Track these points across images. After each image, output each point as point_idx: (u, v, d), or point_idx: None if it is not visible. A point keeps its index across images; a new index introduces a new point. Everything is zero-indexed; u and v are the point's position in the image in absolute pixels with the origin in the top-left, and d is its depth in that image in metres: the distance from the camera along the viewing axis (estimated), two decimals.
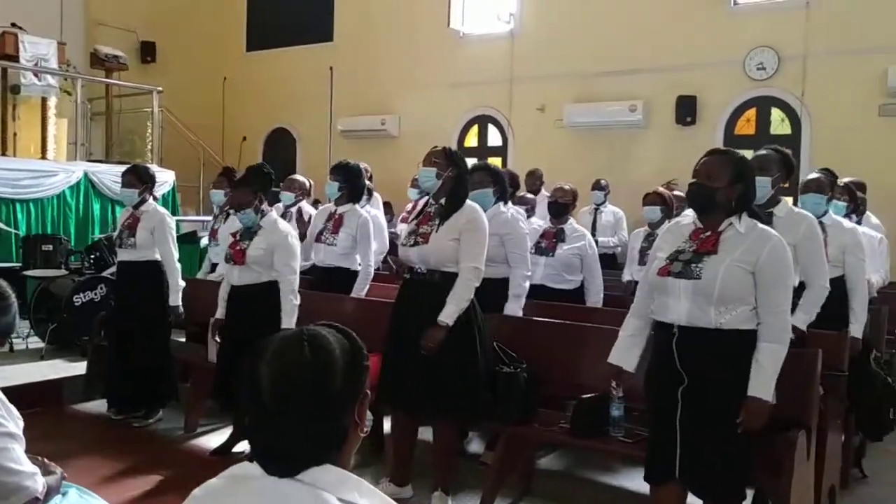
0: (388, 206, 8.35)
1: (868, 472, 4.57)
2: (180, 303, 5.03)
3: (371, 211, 6.45)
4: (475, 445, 4.78)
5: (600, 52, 9.49)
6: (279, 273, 4.31)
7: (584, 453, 4.53)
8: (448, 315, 3.59)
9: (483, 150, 10.52)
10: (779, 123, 8.72)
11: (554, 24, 9.93)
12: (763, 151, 3.70)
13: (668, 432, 2.79)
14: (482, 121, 10.81)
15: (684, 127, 9.01)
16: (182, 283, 5.06)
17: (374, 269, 5.27)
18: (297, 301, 4.31)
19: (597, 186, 8.00)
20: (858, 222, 5.08)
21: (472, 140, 10.94)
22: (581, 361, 3.99)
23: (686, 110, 9.01)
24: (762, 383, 2.70)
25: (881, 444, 4.89)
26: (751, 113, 8.87)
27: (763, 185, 3.32)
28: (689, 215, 2.98)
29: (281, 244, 4.30)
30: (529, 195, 6.80)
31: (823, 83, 8.28)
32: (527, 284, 4.48)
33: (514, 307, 4.41)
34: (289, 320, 4.26)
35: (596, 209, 7.97)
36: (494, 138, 10.75)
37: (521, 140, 10.34)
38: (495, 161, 10.36)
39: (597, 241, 6.97)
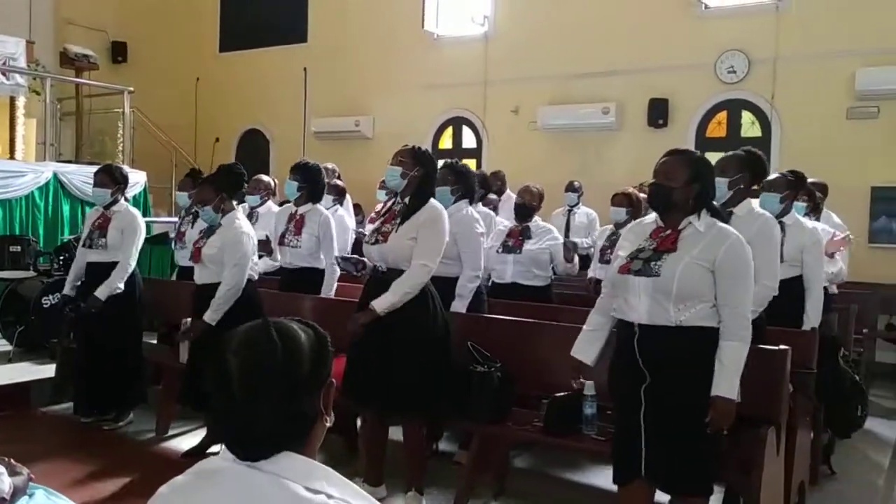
0: (357, 208, 8.31)
1: (837, 468, 4.64)
2: (104, 298, 4.82)
3: (339, 211, 6.45)
4: (449, 445, 4.77)
5: (573, 55, 9.55)
6: (226, 269, 4.27)
7: (558, 452, 4.55)
8: (382, 303, 3.55)
9: (457, 152, 10.50)
10: (749, 126, 8.83)
11: (527, 26, 9.96)
12: (731, 152, 3.73)
13: (633, 430, 2.80)
14: (456, 122, 10.82)
15: (656, 129, 9.09)
16: (120, 287, 4.87)
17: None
18: (226, 304, 4.24)
19: (570, 188, 8.03)
20: (817, 220, 5.19)
21: (446, 142, 10.94)
22: (554, 360, 3.97)
23: (658, 113, 9.08)
24: (726, 382, 2.71)
25: (850, 442, 4.98)
26: (722, 115, 8.97)
27: (719, 187, 3.35)
28: (652, 216, 3.01)
29: (230, 242, 4.27)
30: (493, 196, 6.82)
31: (793, 86, 8.40)
32: (473, 285, 4.40)
33: (458, 305, 4.35)
34: (209, 315, 4.23)
35: (569, 210, 8.01)
36: (469, 140, 10.76)
37: (495, 142, 10.37)
38: (469, 163, 10.41)
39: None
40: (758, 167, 3.69)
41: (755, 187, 3.74)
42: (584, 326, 3.14)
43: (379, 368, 3.61)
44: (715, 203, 2.98)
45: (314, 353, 1.31)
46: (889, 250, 7.92)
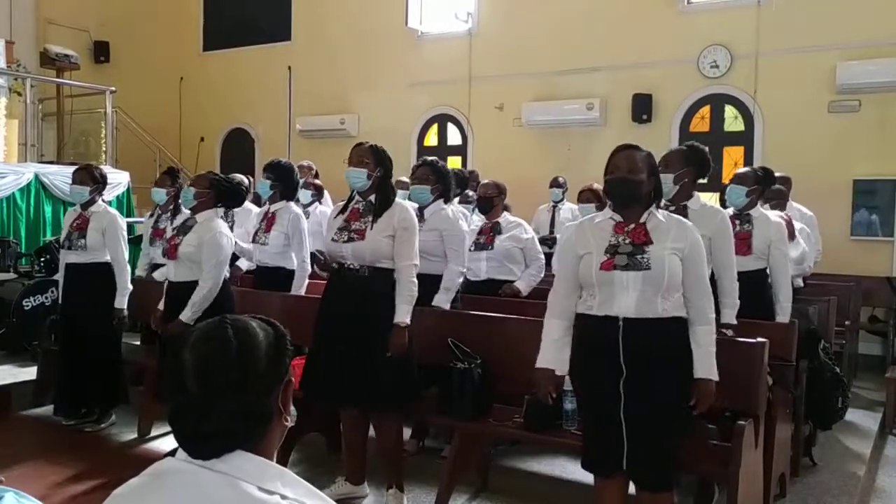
0: None
1: (818, 460, 4.66)
2: (126, 305, 4.91)
3: (319, 208, 6.45)
4: (435, 442, 4.76)
5: (557, 52, 9.55)
6: (204, 269, 4.25)
7: (540, 448, 4.55)
8: (404, 315, 3.62)
9: (443, 149, 10.52)
10: (732, 121, 8.84)
11: (511, 23, 9.96)
12: (675, 148, 3.80)
13: (612, 426, 2.78)
14: (441, 120, 10.81)
15: (640, 125, 9.09)
16: (129, 287, 4.95)
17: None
18: (204, 303, 4.20)
19: (555, 184, 8.02)
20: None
21: (431, 139, 10.93)
22: (535, 356, 3.98)
23: (642, 108, 9.09)
24: (709, 364, 2.80)
25: (832, 433, 5.02)
26: (705, 110, 8.98)
27: (665, 182, 3.40)
28: (601, 213, 2.99)
29: (208, 242, 4.24)
30: (472, 193, 6.81)
31: (775, 81, 8.42)
32: (459, 280, 4.49)
33: (443, 298, 4.38)
34: (186, 315, 4.19)
35: (554, 206, 8.00)
36: (454, 137, 10.75)
37: (480, 139, 10.36)
38: (455, 160, 10.41)
39: (556, 239, 7.06)
40: (702, 161, 3.77)
41: (701, 181, 3.83)
42: (549, 335, 2.98)
43: (351, 365, 3.60)
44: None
45: (271, 350, 1.31)
46: (871, 243, 7.96)
